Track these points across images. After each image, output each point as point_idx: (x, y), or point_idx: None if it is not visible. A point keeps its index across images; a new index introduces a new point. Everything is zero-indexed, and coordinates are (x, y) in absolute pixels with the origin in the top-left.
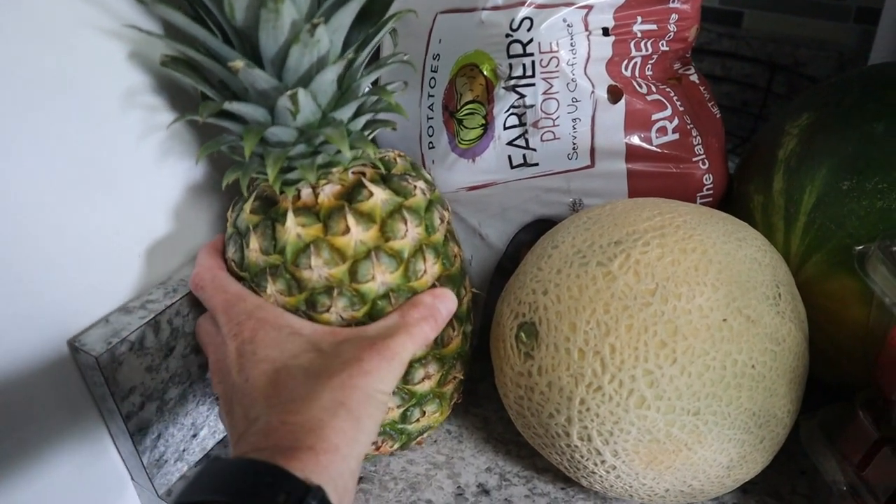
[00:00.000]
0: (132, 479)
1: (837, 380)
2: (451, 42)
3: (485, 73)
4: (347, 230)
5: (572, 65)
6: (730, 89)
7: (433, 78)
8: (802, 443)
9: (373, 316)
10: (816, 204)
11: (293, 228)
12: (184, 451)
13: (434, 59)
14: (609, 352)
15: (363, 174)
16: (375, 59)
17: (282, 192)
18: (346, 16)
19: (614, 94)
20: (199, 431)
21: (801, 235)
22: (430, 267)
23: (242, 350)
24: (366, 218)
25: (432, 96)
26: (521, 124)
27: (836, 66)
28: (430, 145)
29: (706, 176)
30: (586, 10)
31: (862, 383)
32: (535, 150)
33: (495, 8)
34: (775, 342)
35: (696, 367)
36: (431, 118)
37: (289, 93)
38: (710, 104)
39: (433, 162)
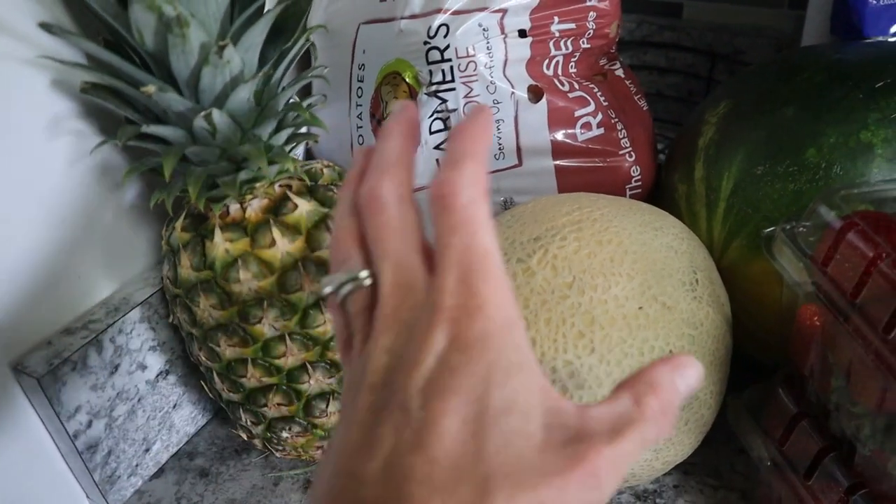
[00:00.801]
0: (87, 496)
1: (770, 359)
2: (374, 52)
3: (407, 80)
4: (273, 243)
5: (490, 67)
6: (675, 80)
7: (360, 87)
8: (729, 422)
9: (305, 325)
10: (734, 190)
11: (221, 244)
12: (137, 465)
13: (360, 69)
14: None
15: (290, 187)
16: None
17: (209, 209)
18: (256, 35)
19: (535, 94)
20: (151, 446)
21: (721, 221)
22: None
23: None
24: (291, 230)
25: (360, 105)
26: (446, 128)
27: (773, 52)
28: None
29: (633, 168)
30: (501, 14)
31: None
32: None
33: (413, 16)
34: (692, 326)
35: (614, 355)
36: (361, 127)
37: (203, 113)
38: (636, 97)
39: None
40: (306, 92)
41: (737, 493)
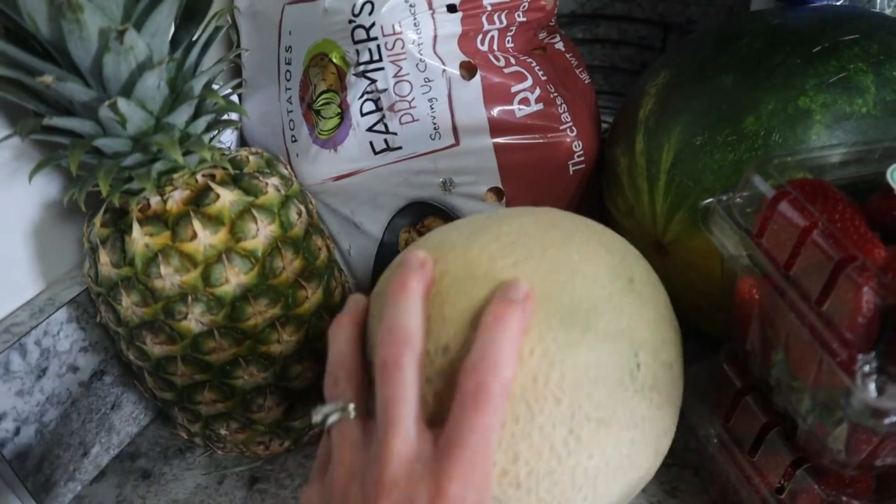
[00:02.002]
0: None
1: (720, 334)
2: (300, 33)
3: (334, 61)
4: (195, 235)
5: (419, 45)
6: (628, 52)
7: (288, 71)
8: None
9: (234, 318)
10: (674, 162)
11: (140, 238)
12: (74, 470)
13: (287, 51)
14: None
15: (213, 177)
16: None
17: (127, 203)
18: (162, 18)
19: (468, 70)
20: (89, 450)
21: (663, 195)
22: (289, 263)
23: None
24: (214, 221)
25: (289, 89)
26: (378, 109)
27: None
28: (293, 139)
29: (576, 143)
30: None
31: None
32: (395, 133)
33: None
34: (633, 427)
35: (543, 485)
36: (291, 111)
37: (107, 102)
38: (577, 71)
39: (297, 155)
40: (237, 77)
41: (690, 471)
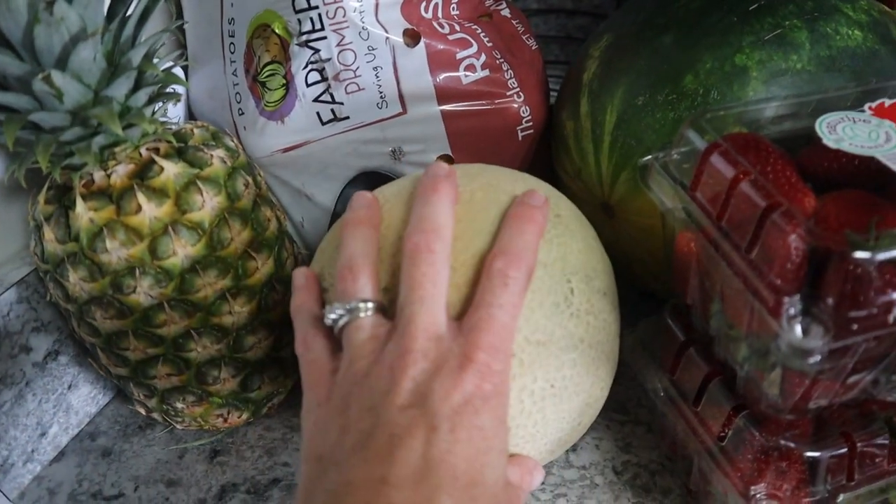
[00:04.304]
0: None
1: (668, 293)
2: (242, 4)
3: (277, 31)
4: (139, 208)
5: (361, 12)
6: (583, 22)
7: (232, 43)
8: (626, 357)
9: (183, 290)
10: (617, 123)
11: (84, 213)
12: (33, 451)
13: (230, 23)
14: None
15: (157, 150)
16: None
17: (69, 179)
18: None
19: (412, 38)
20: (47, 430)
21: (608, 156)
22: (237, 234)
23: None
24: (158, 193)
25: (234, 62)
26: (323, 79)
27: None
28: (240, 112)
29: (523, 109)
30: None
31: None
32: (342, 103)
33: None
34: (572, 349)
35: None
36: (237, 84)
37: (41, 75)
38: (524, 37)
39: (244, 128)
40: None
41: (643, 427)
